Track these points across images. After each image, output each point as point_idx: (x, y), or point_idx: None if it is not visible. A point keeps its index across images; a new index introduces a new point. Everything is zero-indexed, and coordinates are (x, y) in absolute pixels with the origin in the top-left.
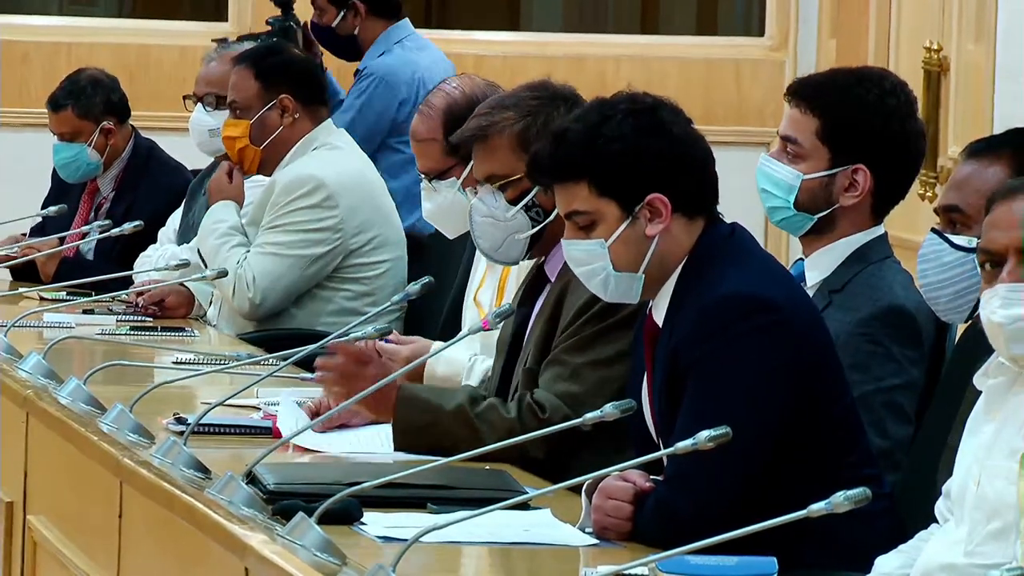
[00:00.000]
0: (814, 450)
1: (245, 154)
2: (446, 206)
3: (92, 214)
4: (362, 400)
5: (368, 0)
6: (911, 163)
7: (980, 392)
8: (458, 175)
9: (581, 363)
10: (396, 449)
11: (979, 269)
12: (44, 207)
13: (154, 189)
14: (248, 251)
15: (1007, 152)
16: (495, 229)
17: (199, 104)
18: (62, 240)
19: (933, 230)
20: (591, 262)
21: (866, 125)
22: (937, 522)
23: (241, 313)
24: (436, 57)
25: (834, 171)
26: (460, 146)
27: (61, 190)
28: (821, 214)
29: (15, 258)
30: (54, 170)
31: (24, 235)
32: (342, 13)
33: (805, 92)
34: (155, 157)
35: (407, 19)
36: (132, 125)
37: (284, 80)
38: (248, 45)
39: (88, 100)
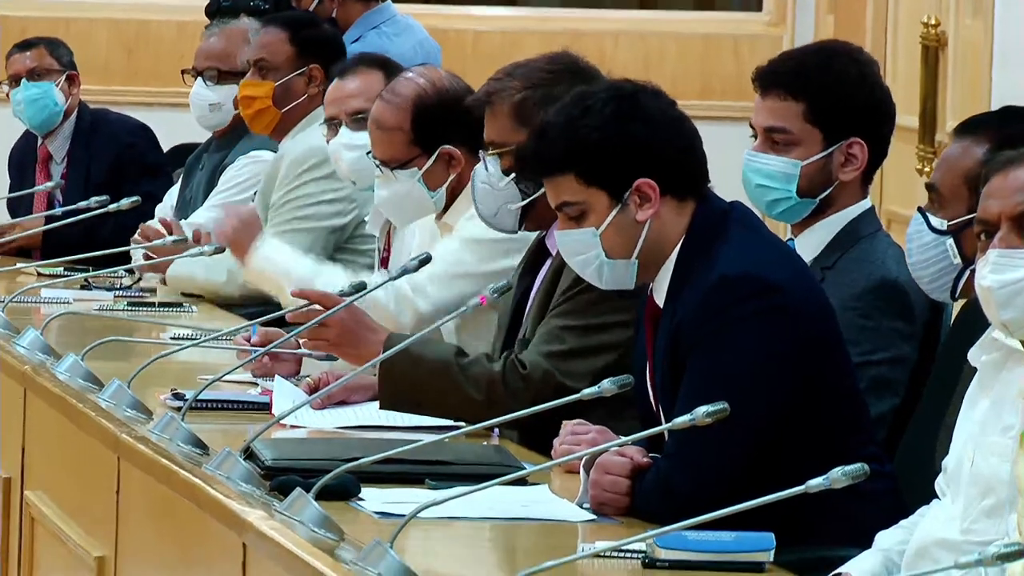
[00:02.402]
0: (818, 429)
1: (263, 115)
2: (402, 195)
3: (50, 179)
4: (348, 351)
5: None
6: (891, 127)
7: (976, 369)
8: (420, 166)
9: (568, 325)
10: (382, 405)
11: (976, 241)
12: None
13: (110, 140)
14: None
15: (990, 132)
16: (490, 197)
17: (199, 78)
18: (49, 219)
19: (919, 209)
20: (584, 251)
21: (854, 99)
22: (938, 498)
23: None
24: (418, 40)
25: (830, 150)
26: (424, 137)
27: (18, 168)
28: (822, 195)
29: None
30: (9, 156)
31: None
32: None
33: (781, 79)
34: (101, 117)
35: (388, 1)
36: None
37: (318, 52)
38: (246, 20)
39: (58, 47)
